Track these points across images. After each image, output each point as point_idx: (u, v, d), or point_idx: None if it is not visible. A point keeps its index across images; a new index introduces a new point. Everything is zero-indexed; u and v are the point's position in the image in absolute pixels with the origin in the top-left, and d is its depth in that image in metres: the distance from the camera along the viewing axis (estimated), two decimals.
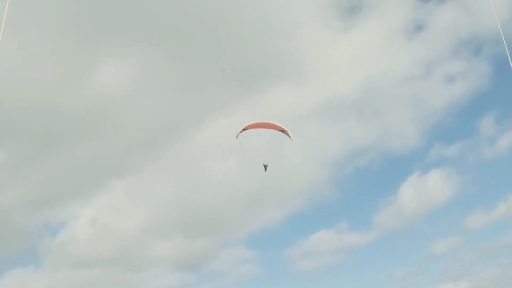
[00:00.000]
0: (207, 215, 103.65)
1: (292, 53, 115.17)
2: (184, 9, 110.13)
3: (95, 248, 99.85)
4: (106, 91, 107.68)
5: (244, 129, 45.84)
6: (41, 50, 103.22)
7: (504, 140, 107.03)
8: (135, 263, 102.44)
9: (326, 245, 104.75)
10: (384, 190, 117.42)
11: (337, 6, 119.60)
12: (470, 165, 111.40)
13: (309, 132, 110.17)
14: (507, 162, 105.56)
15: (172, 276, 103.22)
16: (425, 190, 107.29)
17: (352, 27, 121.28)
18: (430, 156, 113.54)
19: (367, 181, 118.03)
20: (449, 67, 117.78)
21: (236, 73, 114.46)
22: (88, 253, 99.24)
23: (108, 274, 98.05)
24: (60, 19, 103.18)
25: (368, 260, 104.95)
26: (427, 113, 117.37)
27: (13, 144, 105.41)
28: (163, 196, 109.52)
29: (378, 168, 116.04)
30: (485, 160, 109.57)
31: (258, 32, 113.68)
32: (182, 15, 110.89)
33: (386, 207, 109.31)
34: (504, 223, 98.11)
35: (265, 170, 47.92)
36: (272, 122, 46.29)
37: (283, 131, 46.19)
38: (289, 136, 45.96)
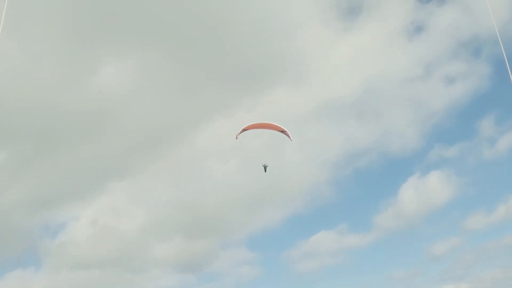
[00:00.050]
0: (207, 216, 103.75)
1: (292, 54, 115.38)
2: (184, 10, 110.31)
3: (95, 249, 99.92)
4: (106, 92, 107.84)
5: (244, 130, 45.80)
6: (41, 50, 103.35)
7: (504, 141, 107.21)
8: (135, 264, 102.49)
9: (326, 246, 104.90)
10: (384, 191, 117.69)
11: (337, 7, 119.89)
12: (470, 166, 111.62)
13: (309, 133, 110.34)
14: (507, 163, 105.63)
15: (172, 277, 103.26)
16: (425, 191, 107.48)
17: (352, 28, 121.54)
18: (430, 157, 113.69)
19: (367, 182, 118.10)
20: (449, 68, 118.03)
21: (236, 74, 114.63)
22: (88, 254, 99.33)
23: (108, 275, 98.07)
24: (60, 20, 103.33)
25: (368, 261, 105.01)
26: (427, 114, 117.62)
27: (13, 145, 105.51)
28: (163, 197, 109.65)
29: (378, 169, 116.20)
30: (485, 161, 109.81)
31: (258, 33, 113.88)
32: (182, 16, 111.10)
33: (386, 208, 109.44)
34: (504, 224, 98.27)
35: (265, 171, 47.90)
36: (271, 123, 46.27)
37: (283, 131, 46.14)
38: (289, 137, 45.92)
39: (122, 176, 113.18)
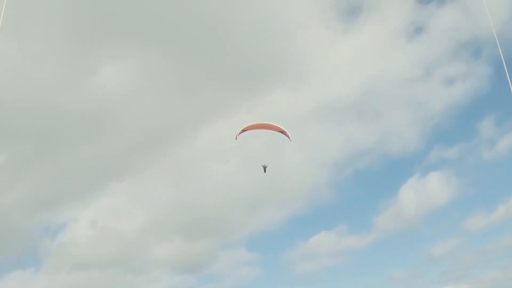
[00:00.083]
0: (207, 217, 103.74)
1: (292, 55, 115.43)
2: (184, 11, 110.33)
3: (95, 250, 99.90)
4: (106, 92, 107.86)
5: (244, 130, 45.79)
6: (41, 51, 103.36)
7: (503, 142, 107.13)
8: (135, 265, 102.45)
9: (326, 247, 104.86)
10: (384, 192, 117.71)
11: (337, 8, 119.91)
12: (470, 167, 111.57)
13: (309, 133, 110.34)
14: (507, 164, 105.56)
15: (172, 278, 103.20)
16: (425, 192, 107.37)
17: (352, 29, 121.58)
18: (430, 158, 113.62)
19: (367, 183, 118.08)
20: (448, 69, 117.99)
21: (236, 75, 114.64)
22: (88, 255, 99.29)
23: (108, 276, 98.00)
24: (60, 20, 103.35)
25: (368, 262, 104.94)
26: (426, 115, 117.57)
27: (13, 145, 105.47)
28: (163, 198, 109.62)
29: (378, 170, 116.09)
30: (485, 162, 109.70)
31: (258, 34, 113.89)
32: (182, 16, 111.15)
33: (386, 209, 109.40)
34: (504, 225, 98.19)
35: (265, 172, 47.89)
36: (271, 123, 46.26)
37: (282, 132, 46.14)
38: (289, 137, 45.93)
39: (122, 176, 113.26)
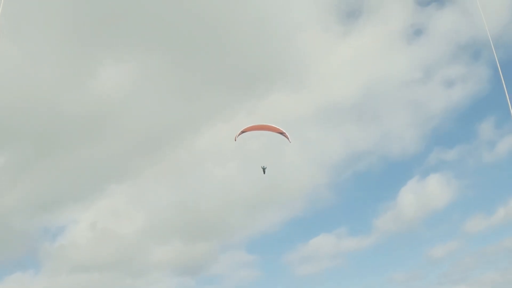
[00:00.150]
0: (207, 219, 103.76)
1: (292, 57, 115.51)
2: (184, 13, 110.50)
3: (95, 252, 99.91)
4: (106, 94, 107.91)
5: (243, 132, 45.85)
6: (42, 52, 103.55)
7: (503, 144, 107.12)
8: (134, 267, 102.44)
9: (325, 249, 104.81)
10: (383, 194, 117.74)
11: (337, 10, 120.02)
12: (470, 169, 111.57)
13: (309, 136, 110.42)
14: (507, 166, 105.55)
15: (172, 280, 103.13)
16: (424, 194, 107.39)
17: (352, 31, 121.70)
18: (430, 160, 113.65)
19: (367, 185, 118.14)
20: (448, 71, 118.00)
21: (236, 77, 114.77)
22: (87, 257, 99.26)
23: (107, 279, 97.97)
24: (60, 22, 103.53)
25: (367, 264, 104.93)
26: (426, 117, 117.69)
27: (13, 147, 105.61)
28: (162, 200, 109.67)
29: (378, 172, 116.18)
30: (485, 164, 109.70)
31: (258, 36, 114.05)
32: (182, 19, 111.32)
33: (385, 211, 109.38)
34: (504, 227, 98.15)
35: (264, 173, 47.92)
36: (270, 125, 46.30)
37: (281, 133, 46.20)
38: (288, 138, 45.99)
39: (122, 179, 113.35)
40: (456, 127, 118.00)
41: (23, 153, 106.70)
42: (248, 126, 45.92)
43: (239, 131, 45.77)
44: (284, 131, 46.04)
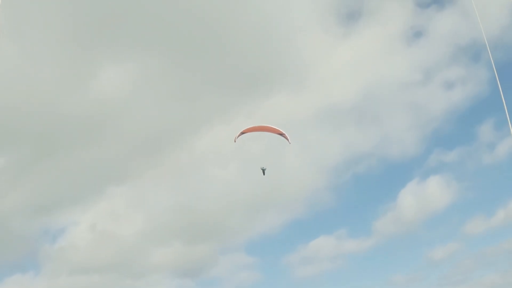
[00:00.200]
0: (207, 221, 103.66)
1: (292, 59, 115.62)
2: (184, 15, 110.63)
3: (94, 254, 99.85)
4: (105, 97, 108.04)
5: (242, 133, 45.82)
6: (41, 55, 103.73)
7: (503, 146, 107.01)
8: (134, 269, 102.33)
9: (325, 251, 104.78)
10: (383, 196, 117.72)
11: (337, 12, 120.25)
12: (470, 171, 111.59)
13: (309, 138, 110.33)
14: (507, 168, 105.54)
15: (171, 282, 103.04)
16: (424, 196, 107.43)
17: (351, 33, 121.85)
18: (430, 162, 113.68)
19: (367, 187, 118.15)
20: (448, 73, 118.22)
21: (236, 79, 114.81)
22: (87, 259, 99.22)
23: (107, 281, 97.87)
24: (60, 24, 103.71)
25: (367, 266, 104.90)
26: (426, 119, 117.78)
27: (13, 149, 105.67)
28: (162, 202, 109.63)
29: (378, 174, 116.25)
30: (485, 166, 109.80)
31: (257, 38, 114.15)
32: (182, 21, 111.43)
33: (385, 213, 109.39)
34: (503, 229, 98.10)
35: (264, 174, 47.86)
36: (270, 126, 46.24)
37: (281, 134, 46.15)
38: (287, 139, 45.94)
39: (122, 181, 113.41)
40: (456, 129, 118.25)
41: (23, 154, 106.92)
42: (248, 127, 45.89)
43: (239, 132, 45.75)
44: (284, 132, 46.01)
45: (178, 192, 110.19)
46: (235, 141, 46.25)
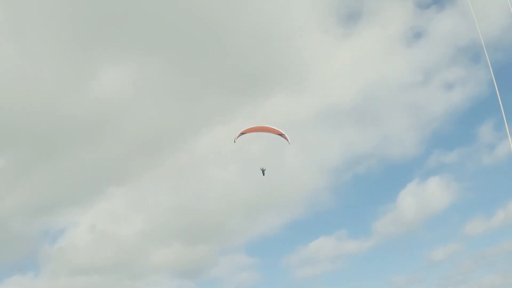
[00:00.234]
0: (207, 222, 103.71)
1: (292, 60, 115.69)
2: (184, 17, 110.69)
3: (94, 255, 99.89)
4: (106, 97, 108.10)
5: (242, 133, 45.77)
6: (42, 56, 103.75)
7: (503, 147, 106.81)
8: (134, 270, 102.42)
9: (325, 252, 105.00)
10: (383, 197, 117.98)
11: (337, 13, 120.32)
12: (469, 172, 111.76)
13: (309, 138, 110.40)
14: (506, 169, 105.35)
15: (171, 283, 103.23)
16: (424, 197, 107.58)
17: (351, 34, 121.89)
18: (429, 163, 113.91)
19: (366, 188, 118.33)
20: (448, 74, 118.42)
21: (236, 80, 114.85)
22: (87, 260, 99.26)
23: (107, 281, 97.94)
24: (61, 25, 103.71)
25: (367, 267, 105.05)
26: (426, 120, 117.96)
27: (13, 150, 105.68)
28: (162, 202, 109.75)
29: (377, 175, 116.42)
30: (484, 167, 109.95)
31: (258, 39, 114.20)
32: (182, 22, 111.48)
33: (385, 214, 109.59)
34: (503, 230, 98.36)
35: (263, 174, 47.82)
36: (269, 126, 46.17)
37: (281, 134, 46.09)
38: (287, 140, 45.90)
39: (122, 181, 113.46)
40: (455, 130, 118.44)
41: (23, 155, 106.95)
42: (247, 128, 45.82)
43: (238, 133, 45.72)
44: (284, 133, 45.96)
45: (178, 193, 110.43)
46: (234, 142, 46.22)
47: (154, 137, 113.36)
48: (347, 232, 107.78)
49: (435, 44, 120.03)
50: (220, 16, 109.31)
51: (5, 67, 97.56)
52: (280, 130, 45.84)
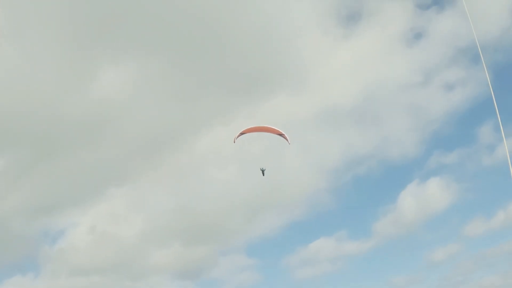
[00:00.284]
0: (207, 222, 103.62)
1: (292, 61, 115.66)
2: (184, 17, 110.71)
3: (94, 256, 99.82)
4: (105, 98, 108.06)
5: (242, 133, 45.73)
6: (41, 56, 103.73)
7: (503, 148, 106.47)
8: (134, 271, 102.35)
9: (325, 253, 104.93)
10: (383, 198, 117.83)
11: (337, 14, 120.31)
12: (469, 173, 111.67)
13: (309, 139, 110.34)
14: (506, 169, 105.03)
15: (171, 284, 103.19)
16: (424, 198, 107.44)
17: (351, 34, 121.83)
18: (429, 164, 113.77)
19: (367, 189, 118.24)
20: (448, 75, 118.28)
21: (236, 81, 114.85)
22: (87, 260, 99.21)
23: (107, 282, 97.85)
24: (60, 26, 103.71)
25: (367, 268, 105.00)
26: (426, 120, 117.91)
27: (13, 150, 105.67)
28: (162, 203, 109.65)
29: (378, 176, 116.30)
30: (484, 167, 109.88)
31: (258, 40, 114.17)
32: (182, 23, 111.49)
33: (385, 215, 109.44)
34: (503, 231, 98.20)
35: (263, 175, 47.77)
36: (269, 126, 46.11)
37: (280, 134, 46.03)
38: (287, 140, 45.85)
39: (122, 182, 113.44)
40: (455, 131, 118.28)
41: (23, 155, 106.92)
42: (247, 128, 45.76)
43: (238, 133, 45.68)
44: (283, 133, 45.90)
45: (178, 193, 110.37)
46: (234, 142, 46.19)
47: (154, 137, 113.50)
48: (347, 232, 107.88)
49: (435, 44, 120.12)
50: (220, 16, 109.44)
51: (5, 67, 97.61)
52: (280, 130, 45.81)
